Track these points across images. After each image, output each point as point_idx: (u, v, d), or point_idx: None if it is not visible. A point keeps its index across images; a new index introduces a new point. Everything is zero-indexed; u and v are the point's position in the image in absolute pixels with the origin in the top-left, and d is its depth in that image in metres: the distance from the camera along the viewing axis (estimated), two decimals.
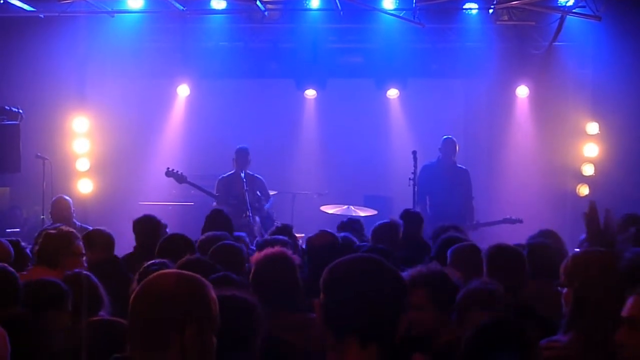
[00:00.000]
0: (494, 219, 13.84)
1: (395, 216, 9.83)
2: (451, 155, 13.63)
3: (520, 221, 13.62)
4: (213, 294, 3.44)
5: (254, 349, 4.19)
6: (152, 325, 3.29)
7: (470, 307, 5.08)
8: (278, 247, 6.06)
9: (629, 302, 4.09)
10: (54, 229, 7.68)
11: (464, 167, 13.79)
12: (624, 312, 4.10)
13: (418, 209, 13.05)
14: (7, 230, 13.30)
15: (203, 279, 3.47)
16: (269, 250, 5.89)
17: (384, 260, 3.45)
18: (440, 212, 13.35)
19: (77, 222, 11.40)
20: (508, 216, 13.68)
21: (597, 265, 4.72)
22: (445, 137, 13.74)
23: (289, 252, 5.90)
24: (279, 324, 5.10)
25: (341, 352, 3.29)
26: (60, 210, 11.56)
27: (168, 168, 13.73)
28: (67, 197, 11.92)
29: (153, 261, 6.19)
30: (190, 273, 3.51)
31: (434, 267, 5.56)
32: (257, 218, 13.44)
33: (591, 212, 5.48)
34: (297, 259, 5.91)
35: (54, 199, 12.10)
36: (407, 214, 9.80)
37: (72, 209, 11.60)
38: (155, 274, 3.50)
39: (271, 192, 14.13)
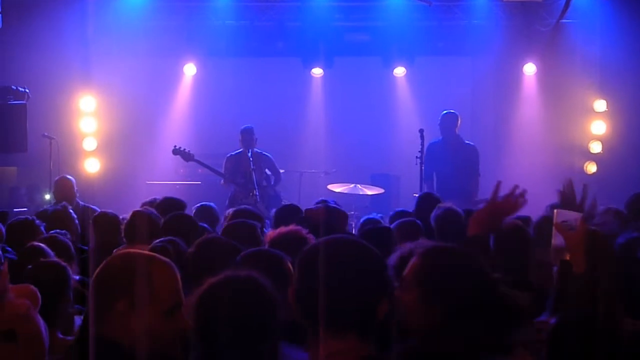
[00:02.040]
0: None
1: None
2: (451, 129, 13.46)
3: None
4: (170, 273, 3.49)
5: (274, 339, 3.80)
6: (94, 297, 3.46)
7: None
8: (293, 225, 5.96)
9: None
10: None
11: (471, 144, 13.70)
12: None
13: (425, 187, 13.07)
14: (15, 209, 13.32)
15: (158, 257, 3.55)
16: (283, 229, 5.82)
17: (363, 241, 3.30)
18: (444, 189, 13.33)
19: (80, 202, 11.35)
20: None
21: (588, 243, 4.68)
22: (443, 112, 13.63)
23: (304, 230, 5.78)
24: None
25: (317, 341, 3.12)
26: (63, 189, 11.35)
27: (175, 146, 13.71)
28: (70, 177, 11.69)
29: (160, 239, 6.14)
30: (145, 252, 3.66)
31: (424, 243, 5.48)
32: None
33: (567, 189, 5.44)
34: (312, 238, 5.79)
35: (56, 178, 11.91)
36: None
37: (75, 188, 11.50)
38: (119, 252, 3.69)
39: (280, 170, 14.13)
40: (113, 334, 3.40)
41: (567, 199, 5.80)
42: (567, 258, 4.85)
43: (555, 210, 5.15)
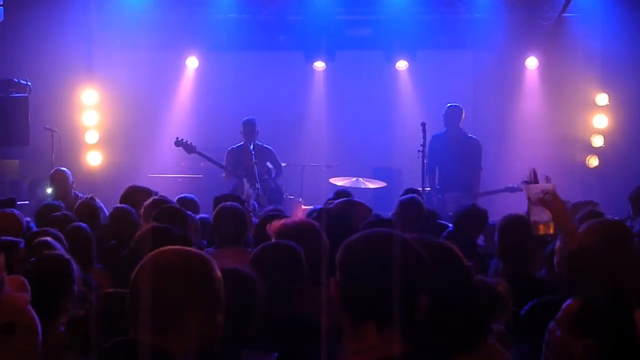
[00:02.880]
0: (499, 188, 13.79)
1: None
2: (455, 122, 13.48)
3: (521, 189, 13.50)
4: (218, 272, 3.34)
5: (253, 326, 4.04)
6: (153, 308, 3.21)
7: None
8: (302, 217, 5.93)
9: None
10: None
11: (474, 137, 13.70)
12: None
13: (427, 179, 13.08)
14: (17, 203, 13.31)
15: (207, 257, 3.37)
16: (295, 220, 5.77)
17: (404, 236, 3.23)
18: (446, 182, 13.35)
19: (79, 194, 11.30)
20: (510, 185, 13.58)
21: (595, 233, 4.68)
22: (448, 105, 13.66)
23: (316, 223, 5.72)
24: (303, 301, 4.83)
25: (358, 336, 3.11)
26: (59, 182, 11.36)
27: (177, 138, 13.71)
28: (64, 169, 11.63)
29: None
30: (194, 251, 3.42)
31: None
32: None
33: (532, 180, 5.49)
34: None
35: (51, 172, 11.76)
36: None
37: (71, 180, 11.40)
38: (157, 251, 3.37)
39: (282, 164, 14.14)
40: (172, 347, 3.24)
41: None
42: (552, 231, 4.90)
43: (526, 186, 5.22)
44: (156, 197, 7.97)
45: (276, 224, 5.54)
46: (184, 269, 3.26)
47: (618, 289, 3.77)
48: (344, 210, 7.36)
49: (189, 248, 3.49)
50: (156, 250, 3.38)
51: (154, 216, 6.75)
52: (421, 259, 3.17)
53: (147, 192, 8.63)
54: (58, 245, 6.02)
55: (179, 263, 3.29)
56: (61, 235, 6.57)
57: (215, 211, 7.35)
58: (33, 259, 5.41)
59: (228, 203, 7.44)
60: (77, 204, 9.03)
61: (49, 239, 6.12)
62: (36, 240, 6.13)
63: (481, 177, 13.60)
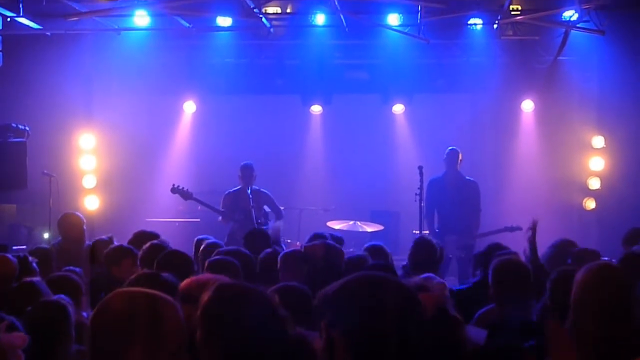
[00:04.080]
0: (498, 228, 13.78)
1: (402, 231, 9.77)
2: (454, 166, 13.60)
3: (520, 229, 13.44)
4: (176, 312, 3.28)
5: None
6: (99, 345, 3.21)
7: None
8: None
9: None
10: None
11: (472, 180, 13.77)
12: None
13: (426, 223, 13.10)
14: (13, 247, 13.29)
15: (162, 297, 3.31)
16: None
17: (390, 276, 3.22)
18: (445, 225, 13.38)
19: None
20: (508, 225, 13.58)
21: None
22: (449, 148, 13.75)
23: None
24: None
25: None
26: (74, 227, 10.76)
27: (174, 185, 13.76)
28: (79, 214, 11.28)
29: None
30: (147, 291, 3.36)
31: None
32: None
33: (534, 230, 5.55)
34: None
35: (64, 214, 11.27)
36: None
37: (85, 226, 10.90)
38: (115, 291, 3.35)
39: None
40: None
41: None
42: None
43: None
44: (154, 242, 7.95)
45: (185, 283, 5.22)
46: (131, 307, 3.23)
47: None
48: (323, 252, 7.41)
49: (145, 290, 3.41)
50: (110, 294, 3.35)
51: (157, 261, 6.76)
52: (410, 299, 3.14)
53: (153, 238, 8.54)
54: (44, 286, 6.01)
55: (123, 305, 3.25)
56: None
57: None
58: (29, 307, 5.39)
59: None
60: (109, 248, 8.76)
61: (35, 279, 6.11)
62: (22, 280, 6.14)
63: (480, 218, 13.63)
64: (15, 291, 6.07)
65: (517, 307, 6.09)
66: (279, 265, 7.45)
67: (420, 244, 8.43)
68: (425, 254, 8.21)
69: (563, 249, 7.91)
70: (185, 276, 6.27)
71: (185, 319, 3.30)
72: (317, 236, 9.05)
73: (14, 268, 7.37)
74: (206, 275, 5.43)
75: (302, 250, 7.61)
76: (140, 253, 7.56)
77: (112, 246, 8.29)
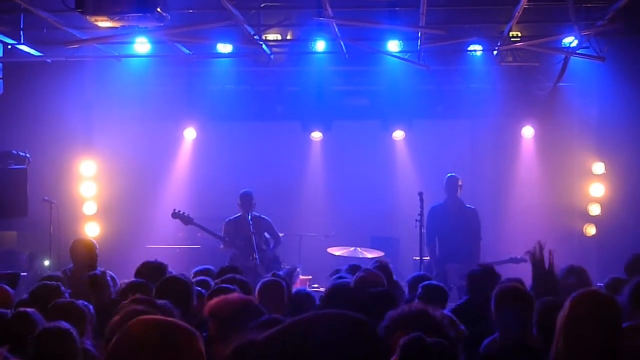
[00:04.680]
0: (501, 258, 13.77)
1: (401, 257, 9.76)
2: (454, 192, 13.61)
3: (525, 260, 13.43)
4: (198, 344, 3.14)
5: None
6: None
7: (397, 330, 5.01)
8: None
9: None
10: None
11: (472, 207, 13.77)
12: None
13: (427, 251, 13.09)
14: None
15: (184, 327, 3.20)
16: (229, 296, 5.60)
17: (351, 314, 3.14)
18: (447, 253, 13.36)
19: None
20: (513, 255, 13.57)
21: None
22: (448, 175, 13.76)
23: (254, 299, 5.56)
24: None
25: None
26: (89, 253, 10.51)
27: (174, 210, 13.78)
28: (92, 239, 11.16)
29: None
30: (172, 320, 3.25)
31: (415, 306, 5.42)
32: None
33: (537, 253, 5.53)
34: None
35: (76, 239, 11.10)
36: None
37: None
38: (136, 319, 3.22)
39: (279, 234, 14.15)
40: None
41: (537, 262, 5.93)
42: None
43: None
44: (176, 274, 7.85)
45: (212, 303, 5.35)
46: (150, 336, 3.10)
47: None
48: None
49: (168, 319, 3.37)
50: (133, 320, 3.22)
51: (156, 288, 6.74)
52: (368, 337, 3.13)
53: (162, 269, 8.44)
54: (38, 316, 5.99)
55: (152, 331, 3.12)
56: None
57: None
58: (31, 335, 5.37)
59: None
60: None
61: (29, 310, 6.09)
62: (18, 311, 6.12)
63: (480, 246, 13.62)
64: (11, 321, 6.04)
65: (517, 332, 6.09)
66: (256, 293, 7.43)
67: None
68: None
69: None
70: (184, 303, 6.29)
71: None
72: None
73: (9, 296, 7.36)
74: (235, 295, 5.50)
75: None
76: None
77: (126, 282, 8.10)
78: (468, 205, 13.76)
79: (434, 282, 8.94)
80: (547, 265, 5.94)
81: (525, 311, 6.13)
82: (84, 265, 10.30)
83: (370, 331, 3.17)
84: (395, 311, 4.93)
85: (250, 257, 13.06)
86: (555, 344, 4.46)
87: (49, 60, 14.29)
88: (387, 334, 4.93)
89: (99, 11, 9.29)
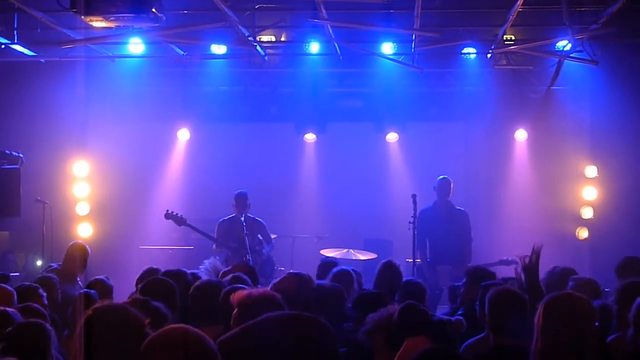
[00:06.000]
0: (492, 261, 13.78)
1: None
2: (445, 195, 13.61)
3: (516, 262, 13.41)
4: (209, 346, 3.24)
5: None
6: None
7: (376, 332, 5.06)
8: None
9: None
10: None
11: (462, 209, 13.78)
12: None
13: (419, 253, 13.09)
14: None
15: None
16: (260, 291, 5.66)
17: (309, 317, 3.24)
18: (437, 255, 13.36)
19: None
20: (504, 258, 13.56)
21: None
22: (440, 177, 13.75)
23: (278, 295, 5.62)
24: None
25: None
26: (80, 256, 10.53)
27: (167, 210, 13.76)
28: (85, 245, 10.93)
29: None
30: (198, 331, 3.30)
31: (393, 309, 5.45)
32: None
33: (533, 259, 5.67)
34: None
35: (72, 243, 10.98)
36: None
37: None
38: (165, 329, 3.31)
39: (271, 236, 14.13)
40: None
41: (529, 269, 5.97)
42: None
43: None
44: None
45: (240, 294, 5.40)
46: (171, 342, 3.22)
47: None
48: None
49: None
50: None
51: (140, 288, 6.75)
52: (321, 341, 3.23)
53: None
54: (18, 316, 6.00)
55: (170, 339, 3.23)
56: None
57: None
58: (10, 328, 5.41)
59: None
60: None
61: (10, 309, 6.11)
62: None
63: (472, 248, 13.61)
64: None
65: (513, 336, 6.07)
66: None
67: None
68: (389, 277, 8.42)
69: (563, 276, 7.94)
70: (169, 304, 6.28)
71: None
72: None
73: (11, 296, 7.37)
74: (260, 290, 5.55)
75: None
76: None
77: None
78: (458, 207, 13.76)
79: (412, 278, 9.07)
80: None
81: (523, 313, 6.13)
82: (73, 268, 10.34)
83: (321, 330, 3.27)
84: (376, 314, 5.00)
85: (244, 258, 13.04)
86: (535, 343, 4.69)
87: (42, 60, 14.29)
88: (368, 336, 4.99)
89: (94, 11, 9.26)
